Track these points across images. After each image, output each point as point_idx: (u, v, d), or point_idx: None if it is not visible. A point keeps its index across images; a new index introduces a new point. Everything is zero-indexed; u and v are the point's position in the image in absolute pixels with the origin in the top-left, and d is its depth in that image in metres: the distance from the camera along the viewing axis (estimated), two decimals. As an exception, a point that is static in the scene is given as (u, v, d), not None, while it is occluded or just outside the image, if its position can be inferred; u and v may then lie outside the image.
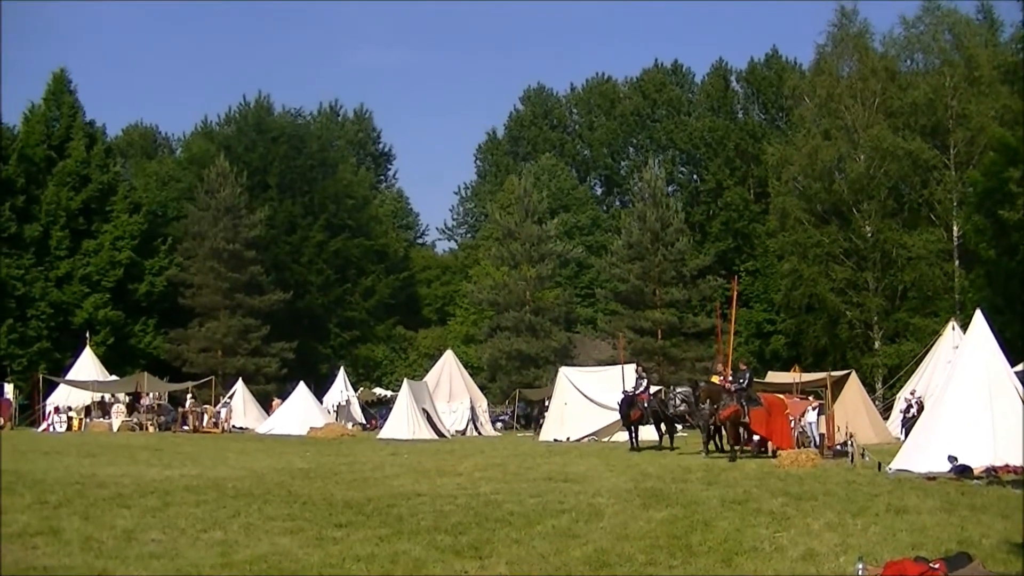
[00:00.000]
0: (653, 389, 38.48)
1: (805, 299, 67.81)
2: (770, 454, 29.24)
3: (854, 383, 39.78)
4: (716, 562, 11.80)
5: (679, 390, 36.11)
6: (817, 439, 33.14)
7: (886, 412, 46.23)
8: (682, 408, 34.98)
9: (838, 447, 29.93)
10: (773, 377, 45.19)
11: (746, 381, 30.42)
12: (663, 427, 36.57)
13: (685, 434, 39.54)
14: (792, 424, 32.11)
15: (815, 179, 67.46)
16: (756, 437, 30.83)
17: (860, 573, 10.22)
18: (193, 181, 77.78)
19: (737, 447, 29.76)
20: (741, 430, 30.42)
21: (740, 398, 29.64)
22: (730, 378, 31.19)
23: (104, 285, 68.30)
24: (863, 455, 26.69)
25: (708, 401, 30.45)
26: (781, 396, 32.90)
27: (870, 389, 52.17)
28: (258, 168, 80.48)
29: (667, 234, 69.09)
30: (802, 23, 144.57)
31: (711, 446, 32.42)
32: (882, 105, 66.16)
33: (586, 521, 15.08)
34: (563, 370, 47.52)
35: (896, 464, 23.40)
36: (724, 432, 31.52)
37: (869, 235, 65.57)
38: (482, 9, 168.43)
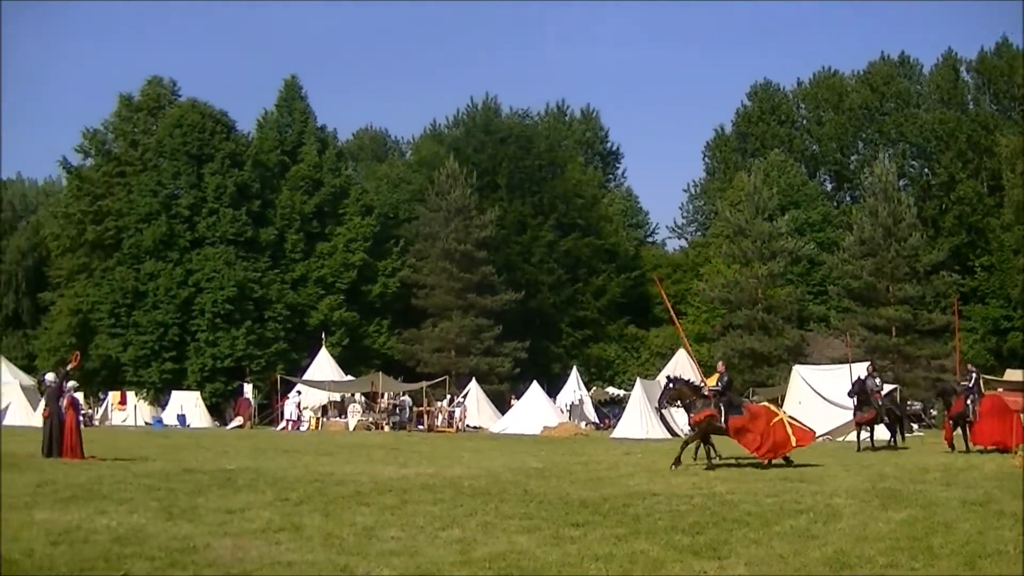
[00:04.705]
0: (887, 388, 37.55)
1: (1043, 294, 65.72)
2: (787, 462, 26.95)
3: (1100, 379, 38.40)
4: (959, 564, 11.34)
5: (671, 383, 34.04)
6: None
7: None
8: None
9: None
10: (1010, 375, 43.84)
11: (723, 385, 28.09)
12: (896, 426, 35.72)
13: (921, 434, 38.55)
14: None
15: (1052, 169, 65.25)
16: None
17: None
18: (423, 183, 79.16)
19: (716, 457, 27.04)
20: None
21: (717, 402, 27.37)
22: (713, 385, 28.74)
23: (338, 287, 70.01)
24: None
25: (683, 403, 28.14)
26: (767, 404, 30.65)
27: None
28: (487, 169, 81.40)
29: (899, 229, 67.94)
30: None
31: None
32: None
33: (824, 522, 14.73)
34: (797, 368, 46.95)
35: None
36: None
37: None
38: (707, 5, 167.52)
